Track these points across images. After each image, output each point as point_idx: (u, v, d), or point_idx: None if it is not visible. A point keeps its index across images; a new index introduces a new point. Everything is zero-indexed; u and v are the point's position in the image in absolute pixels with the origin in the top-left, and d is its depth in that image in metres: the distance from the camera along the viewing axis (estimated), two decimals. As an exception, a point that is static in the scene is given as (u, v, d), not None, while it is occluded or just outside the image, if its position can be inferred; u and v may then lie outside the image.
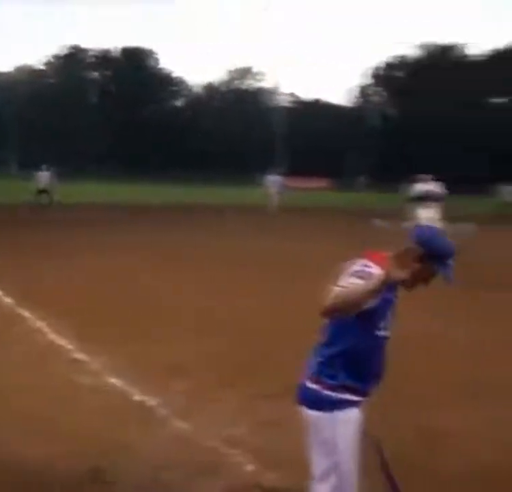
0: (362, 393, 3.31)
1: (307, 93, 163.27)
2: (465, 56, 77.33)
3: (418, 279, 3.20)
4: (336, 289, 3.00)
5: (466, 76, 68.63)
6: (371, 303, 3.06)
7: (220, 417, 5.68)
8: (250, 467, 4.73)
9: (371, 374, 3.32)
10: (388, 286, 3.08)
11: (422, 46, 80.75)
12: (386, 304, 3.21)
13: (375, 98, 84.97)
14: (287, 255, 15.73)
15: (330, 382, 3.25)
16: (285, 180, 36.04)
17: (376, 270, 3.05)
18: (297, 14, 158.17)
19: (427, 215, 16.61)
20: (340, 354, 3.24)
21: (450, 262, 3.18)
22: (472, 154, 62.24)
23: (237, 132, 79.22)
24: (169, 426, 5.48)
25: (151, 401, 5.96)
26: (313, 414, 3.29)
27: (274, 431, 5.35)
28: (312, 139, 76.46)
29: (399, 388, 5.59)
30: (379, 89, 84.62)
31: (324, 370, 3.27)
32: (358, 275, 3.05)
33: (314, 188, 58.56)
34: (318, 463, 3.30)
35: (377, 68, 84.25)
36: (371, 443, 3.38)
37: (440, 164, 51.33)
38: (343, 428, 3.24)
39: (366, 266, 3.10)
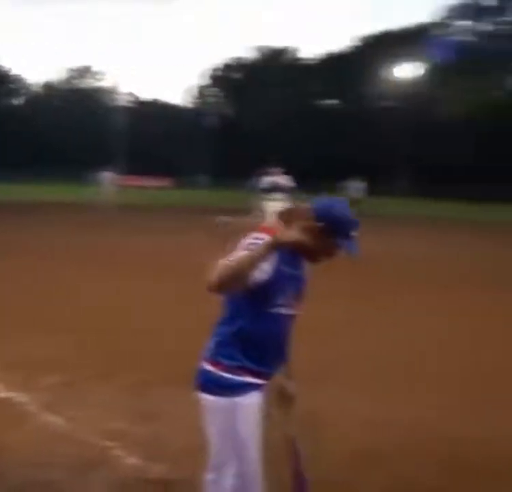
0: (263, 376, 3.05)
1: (146, 93, 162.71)
2: (299, 59, 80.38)
3: (321, 253, 3.02)
4: (221, 262, 2.74)
5: (299, 78, 71.49)
6: (263, 277, 2.84)
7: (97, 411, 5.38)
8: (133, 460, 4.50)
9: (272, 355, 3.07)
10: (288, 260, 2.94)
11: (258, 49, 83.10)
12: (284, 279, 2.95)
13: (212, 99, 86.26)
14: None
15: (228, 363, 2.98)
16: (121, 178, 35.52)
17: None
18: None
19: (275, 207, 16.76)
20: (236, 333, 2.99)
21: (353, 234, 2.99)
22: (306, 153, 64.52)
23: (75, 131, 77.73)
24: (44, 422, 5.10)
25: (20, 397, 5.55)
26: (210, 399, 3.00)
27: (156, 422, 5.17)
28: (151, 139, 76.95)
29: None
30: (216, 89, 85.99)
31: (221, 350, 3.01)
32: (249, 248, 2.79)
33: (154, 186, 58.73)
34: (217, 452, 3.03)
35: (214, 69, 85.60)
36: (283, 433, 3.22)
37: (276, 162, 52.91)
38: (243, 413, 2.97)
39: (257, 238, 2.84)
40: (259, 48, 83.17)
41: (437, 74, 62.17)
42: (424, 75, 59.65)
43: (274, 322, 3.01)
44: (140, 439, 4.82)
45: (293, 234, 2.79)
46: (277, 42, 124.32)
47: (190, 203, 36.59)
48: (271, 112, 67.83)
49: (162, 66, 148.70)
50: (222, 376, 2.98)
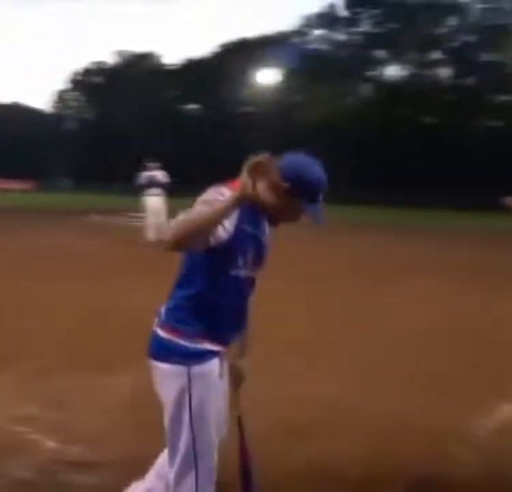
0: (222, 343, 2.86)
1: (5, 96, 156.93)
2: (160, 64, 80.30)
3: (285, 215, 2.85)
4: (180, 219, 2.53)
5: (160, 83, 71.49)
6: (223, 236, 2.67)
7: (2, 397, 5.13)
8: (49, 444, 4.31)
9: (230, 320, 2.89)
10: (249, 220, 2.77)
11: (119, 53, 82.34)
12: (245, 238, 2.78)
13: (73, 103, 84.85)
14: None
15: (184, 329, 2.78)
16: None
17: (227, 195, 2.64)
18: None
19: (152, 201, 17.06)
20: (193, 297, 2.79)
21: (319, 198, 2.82)
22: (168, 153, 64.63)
23: None
24: None
25: None
26: (165, 367, 2.79)
27: (65, 407, 4.99)
28: (12, 142, 75.29)
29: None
30: (77, 93, 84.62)
31: (177, 315, 2.80)
32: (208, 203, 2.60)
33: (17, 189, 57.56)
34: (172, 422, 2.82)
35: (75, 74, 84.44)
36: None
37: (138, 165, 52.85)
38: (198, 382, 2.76)
39: (218, 192, 2.69)
40: (120, 53, 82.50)
41: (295, 81, 63.77)
42: (282, 81, 60.95)
43: (233, 285, 2.83)
44: (53, 424, 4.62)
45: (258, 190, 2.67)
46: (141, 47, 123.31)
47: (53, 205, 35.60)
48: (131, 116, 67.36)
49: (25, 70, 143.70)
50: (178, 343, 2.78)
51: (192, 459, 2.79)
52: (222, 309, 2.83)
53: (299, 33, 70.43)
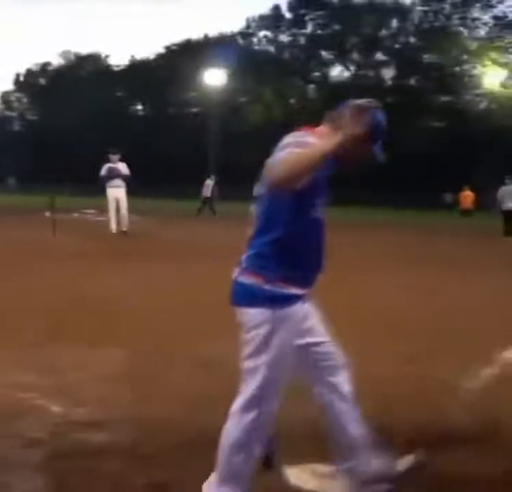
0: (304, 285, 2.93)
1: None
2: (106, 65, 79.73)
3: (356, 157, 2.97)
4: (290, 156, 2.65)
5: (105, 84, 71.07)
6: (309, 178, 2.70)
7: (1, 365, 5.19)
8: (55, 408, 4.34)
9: (311, 262, 2.96)
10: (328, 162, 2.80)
11: (64, 54, 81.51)
12: (323, 181, 2.91)
13: (18, 104, 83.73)
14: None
15: (267, 273, 2.83)
16: None
17: (313, 139, 2.77)
18: None
19: (114, 193, 17.05)
20: (275, 241, 2.84)
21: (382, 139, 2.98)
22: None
23: None
24: None
25: None
26: (248, 312, 2.86)
27: (62, 375, 5.05)
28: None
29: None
30: (22, 95, 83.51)
31: (259, 262, 2.86)
32: (302, 146, 2.71)
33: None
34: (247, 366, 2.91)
35: (18, 75, 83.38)
36: None
37: (83, 166, 52.63)
38: (282, 326, 2.84)
39: (302, 136, 2.82)
40: (65, 54, 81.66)
41: (240, 82, 64.04)
42: (228, 82, 61.13)
43: (313, 227, 2.94)
44: (53, 390, 4.66)
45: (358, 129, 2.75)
46: (86, 48, 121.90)
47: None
48: (76, 118, 66.72)
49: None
50: (261, 288, 2.84)
51: (259, 400, 2.89)
52: (304, 252, 2.91)
53: (244, 34, 70.80)
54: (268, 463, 3.32)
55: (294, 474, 3.43)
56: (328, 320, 3.26)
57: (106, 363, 5.41)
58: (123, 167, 17.04)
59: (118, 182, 16.97)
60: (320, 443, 3.58)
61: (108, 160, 17.02)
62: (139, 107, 78.86)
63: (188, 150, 63.27)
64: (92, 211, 25.50)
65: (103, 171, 17.00)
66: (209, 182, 29.91)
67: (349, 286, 9.90)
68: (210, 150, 57.53)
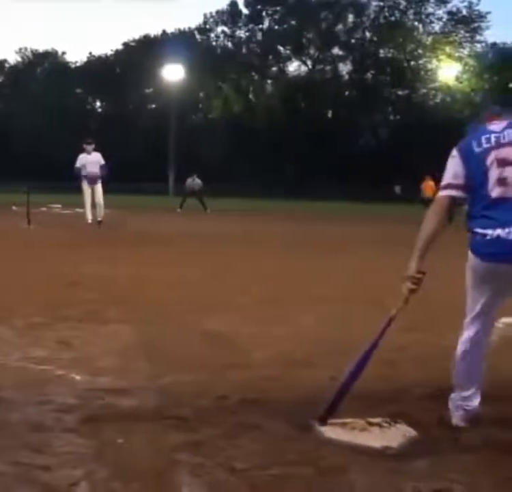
0: None
1: None
2: (64, 62, 78.76)
3: None
4: None
5: (64, 81, 70.29)
6: None
7: (8, 343, 5.23)
8: (77, 377, 4.40)
9: None
10: None
11: (21, 52, 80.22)
12: None
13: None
14: None
15: None
16: None
17: None
18: None
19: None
20: None
21: None
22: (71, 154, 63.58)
23: None
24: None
25: None
26: None
27: (76, 348, 5.17)
28: None
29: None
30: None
31: None
32: None
33: None
34: None
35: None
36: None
37: (43, 163, 52.35)
38: None
39: None
40: (21, 51, 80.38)
41: (197, 77, 63.91)
42: (185, 78, 60.96)
43: None
44: (70, 362, 4.72)
45: None
46: (44, 45, 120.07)
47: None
48: (34, 114, 65.86)
49: None
50: None
51: None
52: None
53: (201, 30, 70.65)
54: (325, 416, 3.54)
55: (327, 429, 3.55)
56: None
57: (114, 338, 5.51)
58: (97, 157, 17.06)
59: (93, 172, 16.97)
60: (349, 400, 3.75)
61: (82, 151, 16.97)
62: (98, 104, 78.25)
63: (147, 146, 63.00)
64: (59, 205, 25.51)
65: (77, 163, 16.94)
66: (190, 182, 29.84)
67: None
68: (170, 146, 57.37)
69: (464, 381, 3.60)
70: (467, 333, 3.57)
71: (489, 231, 3.25)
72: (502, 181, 3.24)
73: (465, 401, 3.59)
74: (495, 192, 3.26)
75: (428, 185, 34.74)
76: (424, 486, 2.93)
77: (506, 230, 3.18)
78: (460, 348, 3.59)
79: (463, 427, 3.62)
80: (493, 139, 3.31)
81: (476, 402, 3.59)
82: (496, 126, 3.40)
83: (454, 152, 3.48)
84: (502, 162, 3.24)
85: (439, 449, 3.34)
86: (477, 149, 3.34)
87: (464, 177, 3.38)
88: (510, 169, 3.23)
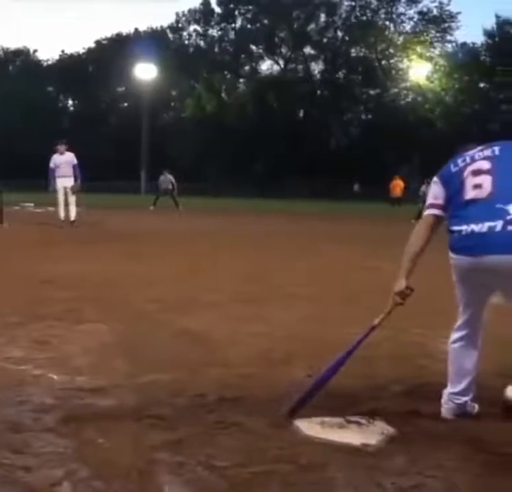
0: None
1: None
2: (36, 60, 78.06)
3: None
4: None
5: (36, 79, 69.68)
6: None
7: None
8: (55, 377, 4.39)
9: None
10: None
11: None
12: None
13: None
14: None
15: None
16: None
17: None
18: None
19: (62, 183, 16.98)
20: None
21: None
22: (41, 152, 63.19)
23: None
24: None
25: None
26: None
27: (51, 348, 5.14)
28: None
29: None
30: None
31: None
32: None
33: None
34: None
35: None
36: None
37: (14, 162, 51.88)
38: None
39: None
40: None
41: (170, 76, 63.74)
42: (158, 77, 60.79)
43: None
44: (47, 361, 4.71)
45: None
46: (16, 43, 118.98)
47: None
48: (5, 113, 65.19)
49: None
50: None
51: None
52: None
53: (174, 28, 70.45)
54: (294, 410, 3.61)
55: (305, 426, 3.59)
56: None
57: (91, 337, 5.50)
58: (70, 157, 17.05)
59: (67, 172, 17.01)
60: (327, 398, 3.81)
61: (55, 151, 16.97)
62: (70, 102, 77.70)
63: (119, 145, 62.70)
64: (31, 204, 25.43)
65: (51, 164, 17.00)
66: (163, 178, 29.74)
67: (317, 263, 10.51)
68: (142, 144, 57.17)
69: (454, 377, 3.79)
70: (456, 332, 3.78)
71: (464, 227, 3.46)
72: (476, 186, 3.49)
73: (455, 396, 3.77)
74: (469, 195, 3.51)
75: (397, 184, 35.07)
76: (402, 482, 2.98)
77: (479, 225, 3.38)
78: (450, 346, 3.80)
79: (440, 424, 3.70)
80: (468, 159, 3.62)
81: (466, 397, 3.77)
82: (472, 151, 3.69)
83: (436, 179, 3.76)
84: (477, 173, 3.51)
85: (417, 446, 3.39)
86: (454, 169, 3.64)
87: (443, 198, 3.68)
88: (483, 176, 3.48)
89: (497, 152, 3.54)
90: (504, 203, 3.35)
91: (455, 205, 3.58)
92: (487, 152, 3.58)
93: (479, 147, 3.66)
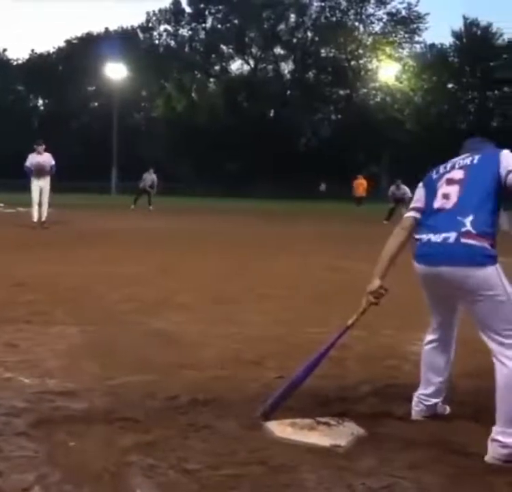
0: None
1: None
2: (7, 59, 77.09)
3: None
4: None
5: (4, 78, 69.03)
6: None
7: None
8: (25, 380, 4.37)
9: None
10: None
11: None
12: None
13: None
14: None
15: (491, 238, 3.35)
16: None
17: None
18: None
19: (38, 183, 16.89)
20: (493, 212, 3.39)
21: None
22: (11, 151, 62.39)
23: None
24: None
25: None
26: (484, 272, 3.31)
27: (22, 351, 5.11)
28: None
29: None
30: None
31: (482, 227, 3.34)
32: None
33: None
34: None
35: None
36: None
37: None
38: (504, 277, 3.35)
39: None
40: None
41: (141, 76, 63.44)
42: (128, 76, 60.48)
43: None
44: (18, 364, 4.68)
45: None
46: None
47: None
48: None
49: None
50: (489, 249, 3.33)
51: None
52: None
53: (144, 28, 70.14)
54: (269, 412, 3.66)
55: (276, 428, 3.61)
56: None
57: (62, 340, 5.47)
58: (48, 158, 16.91)
59: (42, 172, 16.89)
60: (298, 399, 3.84)
61: (33, 151, 16.86)
62: (40, 101, 76.96)
63: (90, 144, 62.28)
64: (1, 204, 25.16)
65: (27, 162, 16.86)
66: (147, 175, 29.72)
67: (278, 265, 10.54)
68: (112, 144, 56.84)
69: (425, 379, 3.86)
70: (429, 335, 3.85)
71: (424, 236, 3.54)
72: (445, 195, 3.54)
73: (425, 397, 3.83)
74: (437, 204, 3.56)
75: (360, 184, 35.19)
76: (373, 482, 3.02)
77: (436, 235, 3.45)
78: (423, 347, 3.88)
79: (410, 425, 3.75)
80: (448, 166, 3.66)
81: (436, 399, 3.83)
82: (459, 157, 3.70)
83: (420, 183, 3.80)
84: (450, 182, 3.55)
85: (387, 447, 3.43)
86: (435, 176, 3.69)
87: (423, 202, 3.71)
88: (452, 186, 3.52)
89: (475, 161, 3.54)
90: (463, 215, 3.38)
91: (426, 212, 3.63)
92: (467, 160, 3.59)
93: (466, 154, 3.67)
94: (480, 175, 3.46)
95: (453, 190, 3.49)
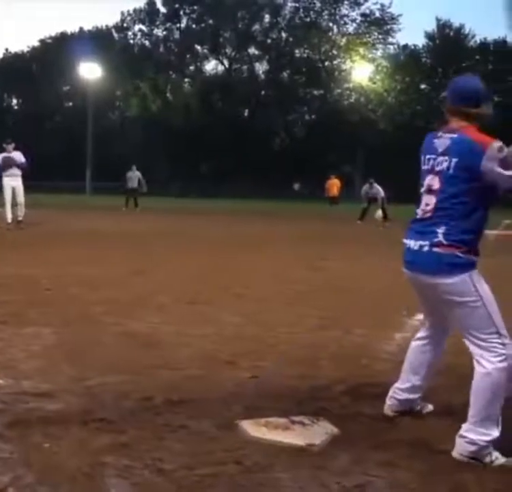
0: (478, 254, 3.48)
1: None
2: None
3: None
4: None
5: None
6: None
7: None
8: (1, 381, 4.37)
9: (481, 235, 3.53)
10: None
11: None
12: None
13: None
14: None
15: (464, 246, 3.39)
16: None
17: None
18: None
19: (10, 183, 16.80)
20: (478, 220, 3.45)
21: None
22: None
23: None
24: None
25: None
26: (453, 280, 3.38)
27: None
28: None
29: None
30: None
31: (456, 235, 3.41)
32: None
33: None
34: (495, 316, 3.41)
35: None
36: None
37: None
38: (482, 283, 3.43)
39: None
40: None
41: (115, 75, 63.09)
42: (103, 76, 60.09)
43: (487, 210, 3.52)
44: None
45: None
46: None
47: None
48: None
49: None
50: (463, 258, 3.39)
51: (496, 330, 3.38)
52: (481, 228, 3.53)
53: (119, 28, 69.78)
54: None
55: (251, 428, 3.64)
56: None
57: (37, 340, 5.47)
58: (18, 156, 16.75)
59: (14, 171, 16.68)
60: (272, 399, 3.87)
61: (3, 150, 16.69)
62: (14, 101, 76.27)
63: (64, 144, 61.85)
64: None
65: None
66: (131, 174, 29.47)
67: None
68: (87, 144, 56.47)
69: (404, 373, 3.92)
70: (421, 331, 3.94)
71: (406, 241, 3.64)
72: (426, 204, 3.58)
73: (399, 391, 3.90)
74: (420, 212, 3.62)
75: (333, 184, 35.22)
76: (347, 481, 3.06)
77: (413, 243, 3.56)
78: (411, 342, 3.97)
79: (383, 423, 3.79)
80: (431, 162, 3.59)
81: (409, 395, 3.89)
82: (443, 139, 3.58)
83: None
84: (428, 191, 3.58)
85: (360, 445, 3.47)
86: (424, 167, 3.65)
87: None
88: (430, 196, 3.55)
89: (451, 171, 3.47)
90: (437, 225, 3.46)
91: (414, 215, 3.69)
92: (445, 163, 3.51)
93: (447, 136, 3.55)
94: (455, 182, 3.46)
95: (431, 200, 3.55)
